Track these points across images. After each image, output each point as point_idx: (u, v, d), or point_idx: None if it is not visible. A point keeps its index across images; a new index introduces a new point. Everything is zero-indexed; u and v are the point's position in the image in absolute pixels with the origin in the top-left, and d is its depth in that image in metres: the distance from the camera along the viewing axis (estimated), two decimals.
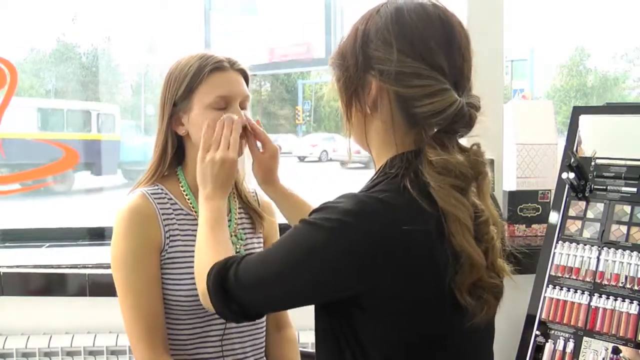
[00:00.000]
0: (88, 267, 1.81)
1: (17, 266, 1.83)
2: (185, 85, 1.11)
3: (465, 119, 0.82)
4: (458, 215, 0.78)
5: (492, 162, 1.79)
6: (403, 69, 0.81)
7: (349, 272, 0.78)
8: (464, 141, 0.87)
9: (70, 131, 6.78)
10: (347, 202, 0.79)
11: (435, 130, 0.84)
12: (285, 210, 1.20)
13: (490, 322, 0.90)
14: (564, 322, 1.58)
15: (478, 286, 0.80)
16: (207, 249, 0.96)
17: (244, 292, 0.86)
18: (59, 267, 1.82)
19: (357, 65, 0.85)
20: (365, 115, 0.86)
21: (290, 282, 0.82)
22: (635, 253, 1.56)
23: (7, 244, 2.17)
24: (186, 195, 1.17)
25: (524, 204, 2.00)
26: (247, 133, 1.13)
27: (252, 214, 1.25)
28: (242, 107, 1.14)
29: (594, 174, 1.70)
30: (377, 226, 0.77)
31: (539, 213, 1.99)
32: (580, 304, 1.58)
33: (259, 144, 1.16)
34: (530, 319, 1.64)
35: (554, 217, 1.74)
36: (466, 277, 0.79)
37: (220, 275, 0.87)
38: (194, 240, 1.15)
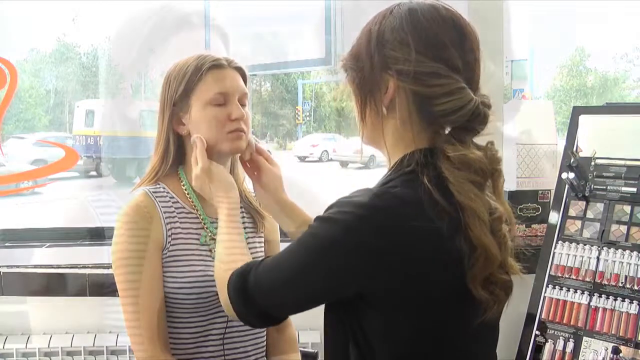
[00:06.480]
0: (88, 267, 1.81)
1: (17, 266, 1.83)
2: (185, 85, 1.12)
3: (480, 116, 0.84)
4: (476, 209, 0.79)
5: None
6: (422, 69, 0.82)
7: (362, 264, 0.78)
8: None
9: None
10: (361, 196, 0.80)
11: (451, 128, 0.85)
12: (289, 219, 1.18)
13: (497, 322, 0.91)
14: (564, 322, 1.58)
15: (490, 281, 0.81)
16: (222, 255, 1.01)
17: (264, 294, 0.86)
18: (59, 267, 1.83)
19: (373, 65, 0.85)
20: (380, 115, 0.87)
21: (309, 278, 0.83)
22: (635, 253, 1.56)
23: (7, 244, 2.17)
24: (187, 193, 1.17)
25: (524, 204, 1.99)
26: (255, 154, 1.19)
27: (254, 213, 1.25)
28: (241, 104, 1.15)
29: (594, 174, 1.70)
30: (390, 219, 0.78)
31: (538, 213, 1.99)
32: (580, 304, 1.58)
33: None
34: (530, 319, 1.64)
35: (554, 217, 1.74)
36: (480, 270, 0.80)
37: (240, 281, 0.88)
38: (196, 239, 1.15)
